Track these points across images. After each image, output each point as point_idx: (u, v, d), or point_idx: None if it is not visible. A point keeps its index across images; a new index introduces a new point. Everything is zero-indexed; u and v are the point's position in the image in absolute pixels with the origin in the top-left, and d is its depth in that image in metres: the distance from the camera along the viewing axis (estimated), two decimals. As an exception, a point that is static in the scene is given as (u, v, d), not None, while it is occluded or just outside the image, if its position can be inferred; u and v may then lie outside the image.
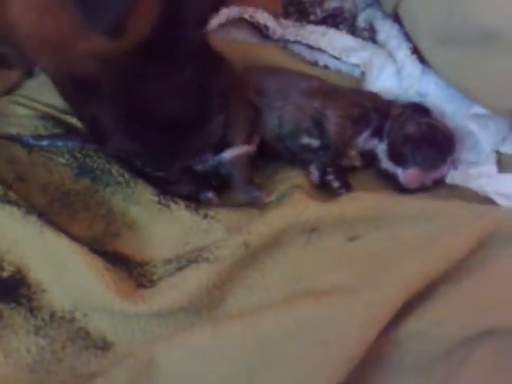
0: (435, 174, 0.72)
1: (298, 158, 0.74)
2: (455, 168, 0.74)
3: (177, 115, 0.62)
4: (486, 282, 0.56)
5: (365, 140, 0.75)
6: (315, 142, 0.73)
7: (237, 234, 0.61)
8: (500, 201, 0.65)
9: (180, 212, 0.65)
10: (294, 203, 0.63)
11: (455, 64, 0.74)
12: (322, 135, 0.73)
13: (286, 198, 0.66)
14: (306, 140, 0.73)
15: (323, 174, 0.71)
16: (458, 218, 0.61)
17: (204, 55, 0.63)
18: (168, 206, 0.66)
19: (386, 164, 0.74)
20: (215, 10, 0.61)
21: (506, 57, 0.69)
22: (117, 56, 0.50)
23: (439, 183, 0.73)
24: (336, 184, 0.70)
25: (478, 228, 0.59)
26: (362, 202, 0.63)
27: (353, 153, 0.75)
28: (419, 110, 0.77)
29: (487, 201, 0.68)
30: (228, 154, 0.70)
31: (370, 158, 0.76)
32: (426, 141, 0.72)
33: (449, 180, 0.72)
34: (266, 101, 0.74)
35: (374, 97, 0.79)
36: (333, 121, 0.73)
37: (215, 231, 0.64)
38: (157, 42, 0.51)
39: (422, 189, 0.72)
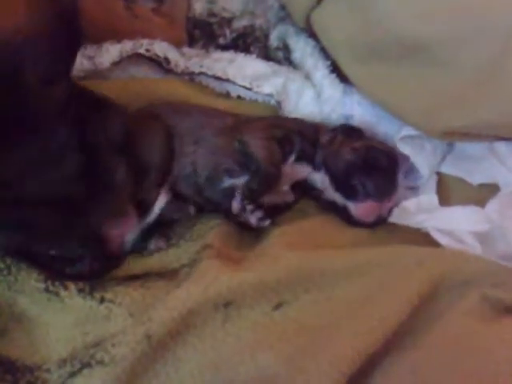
0: (390, 203, 0.63)
1: (222, 207, 0.64)
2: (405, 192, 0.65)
3: (58, 188, 0.52)
4: (433, 348, 0.47)
5: (292, 167, 0.66)
6: (240, 180, 0.63)
7: (136, 325, 0.50)
8: (442, 240, 0.56)
9: (72, 299, 0.55)
10: (200, 275, 0.53)
11: (378, 81, 0.65)
12: (250, 163, 0.63)
13: (195, 266, 0.56)
14: (228, 182, 0.63)
15: (243, 201, 0.61)
16: (394, 267, 0.52)
17: (80, 108, 0.53)
18: (57, 294, 0.55)
19: (333, 195, 0.65)
20: (69, 60, 0.50)
21: (434, 70, 0.60)
22: None
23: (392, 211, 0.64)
24: (259, 215, 0.60)
25: (418, 280, 0.50)
26: (284, 262, 0.54)
27: (285, 188, 0.66)
28: (349, 132, 0.68)
29: (429, 238, 0.58)
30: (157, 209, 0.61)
31: (301, 191, 0.67)
32: (371, 167, 0.62)
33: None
34: (176, 146, 0.64)
35: (296, 120, 0.70)
36: (257, 144, 0.63)
37: (116, 317, 0.54)
38: None
39: (378, 222, 0.63)
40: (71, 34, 0.47)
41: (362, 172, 0.63)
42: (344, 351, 0.45)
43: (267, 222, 0.61)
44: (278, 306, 0.53)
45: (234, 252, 0.59)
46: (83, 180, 0.53)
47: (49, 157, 0.50)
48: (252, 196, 0.61)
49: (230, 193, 0.63)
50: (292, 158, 0.65)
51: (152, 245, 0.60)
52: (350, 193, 0.63)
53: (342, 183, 0.63)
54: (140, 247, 0.60)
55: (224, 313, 0.52)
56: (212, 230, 0.61)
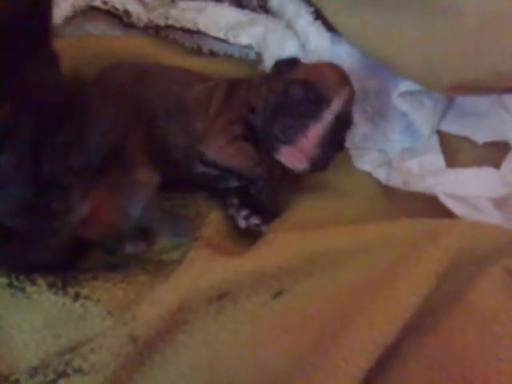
0: (309, 142, 0.51)
1: (202, 189, 0.57)
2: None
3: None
4: (455, 332, 0.42)
5: None
6: (213, 171, 0.56)
7: (117, 327, 0.44)
8: (456, 208, 0.50)
9: (41, 295, 0.48)
10: (188, 266, 0.47)
11: (370, 30, 0.58)
12: (235, 175, 0.55)
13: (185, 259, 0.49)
14: (201, 169, 0.56)
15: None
16: (405, 244, 0.47)
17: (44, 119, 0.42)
18: (23, 290, 0.48)
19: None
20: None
21: (434, 17, 0.53)
22: None
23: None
24: (255, 221, 0.54)
25: (435, 259, 0.44)
26: (282, 245, 0.48)
27: None
28: (284, 67, 0.57)
29: (437, 203, 0.53)
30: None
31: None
32: (278, 109, 0.52)
33: (385, 181, 0.57)
34: (147, 118, 0.54)
35: (249, 93, 0.57)
36: (226, 155, 0.55)
37: (93, 317, 0.47)
38: None
39: (319, 164, 0.53)
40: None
41: (270, 116, 0.53)
42: (361, 344, 0.40)
43: (264, 228, 0.54)
44: (277, 294, 0.47)
45: (226, 241, 0.53)
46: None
47: None
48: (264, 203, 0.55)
49: (206, 178, 0.56)
50: None
51: (128, 247, 0.52)
52: (269, 145, 0.53)
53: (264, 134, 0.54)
54: (113, 248, 0.52)
55: (217, 305, 0.46)
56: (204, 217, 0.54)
